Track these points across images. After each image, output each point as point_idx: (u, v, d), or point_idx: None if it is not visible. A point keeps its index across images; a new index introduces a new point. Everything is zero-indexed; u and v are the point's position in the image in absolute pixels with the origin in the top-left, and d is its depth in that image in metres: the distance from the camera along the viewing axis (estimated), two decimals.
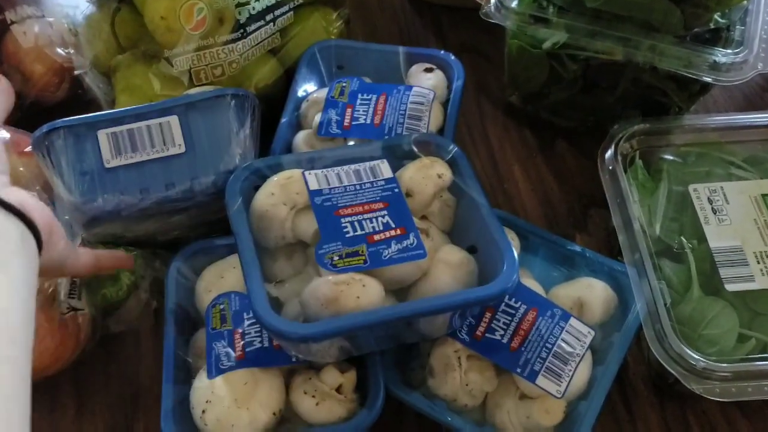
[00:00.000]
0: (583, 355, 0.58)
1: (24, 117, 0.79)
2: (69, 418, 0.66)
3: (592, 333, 0.59)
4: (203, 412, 0.55)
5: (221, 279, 0.63)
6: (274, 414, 0.56)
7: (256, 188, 0.59)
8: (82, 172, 0.61)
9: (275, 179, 0.58)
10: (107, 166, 0.61)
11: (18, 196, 0.48)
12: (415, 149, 0.62)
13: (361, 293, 0.51)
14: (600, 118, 0.80)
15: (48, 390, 0.67)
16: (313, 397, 0.56)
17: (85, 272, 0.60)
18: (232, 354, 0.58)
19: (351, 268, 0.53)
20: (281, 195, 0.57)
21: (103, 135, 0.61)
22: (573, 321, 0.59)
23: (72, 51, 0.77)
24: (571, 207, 0.78)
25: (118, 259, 0.65)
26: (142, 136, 0.62)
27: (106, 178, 0.61)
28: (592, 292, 0.62)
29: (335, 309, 0.51)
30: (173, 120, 0.62)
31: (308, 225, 0.57)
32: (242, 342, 0.58)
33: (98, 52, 0.76)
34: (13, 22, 0.81)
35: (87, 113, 0.66)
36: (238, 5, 0.73)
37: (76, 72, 0.76)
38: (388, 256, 0.54)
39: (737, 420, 0.65)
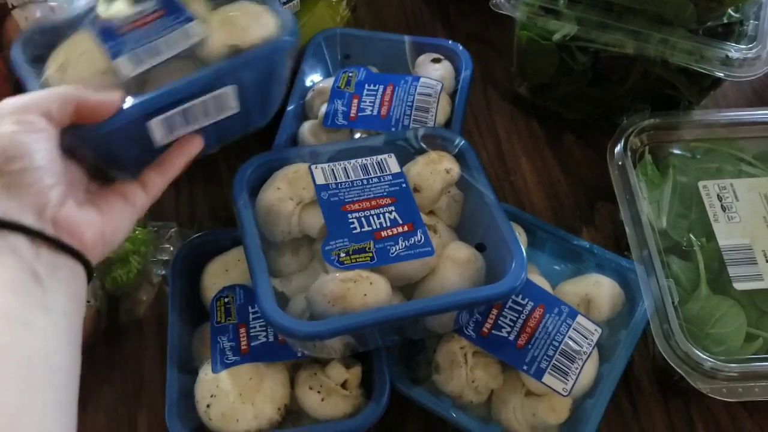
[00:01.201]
0: (590, 353, 0.58)
1: None
2: None
3: (599, 331, 0.59)
4: (208, 406, 0.55)
5: (226, 272, 0.63)
6: (279, 409, 0.56)
7: (261, 183, 0.58)
8: None
9: (282, 173, 0.58)
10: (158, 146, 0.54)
11: (68, 217, 0.46)
12: (423, 144, 0.62)
13: (368, 291, 0.51)
14: (609, 111, 0.79)
15: None
16: (319, 392, 0.56)
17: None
18: (237, 348, 0.57)
19: (358, 265, 0.53)
20: (288, 189, 0.57)
21: (155, 122, 0.53)
22: (580, 318, 0.59)
23: None
24: (579, 200, 0.78)
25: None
26: (197, 111, 0.54)
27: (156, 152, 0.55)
28: (599, 288, 0.62)
29: (342, 306, 0.51)
30: (230, 89, 0.54)
31: (315, 220, 0.56)
32: (247, 336, 0.58)
33: None
34: (14, 7, 0.79)
35: None
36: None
37: None
38: (395, 253, 0.54)
39: (741, 417, 0.64)
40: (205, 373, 0.57)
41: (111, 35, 0.55)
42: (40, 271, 0.43)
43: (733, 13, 0.67)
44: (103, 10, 0.58)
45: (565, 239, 0.67)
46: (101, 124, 0.49)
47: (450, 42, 0.77)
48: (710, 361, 0.56)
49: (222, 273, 0.63)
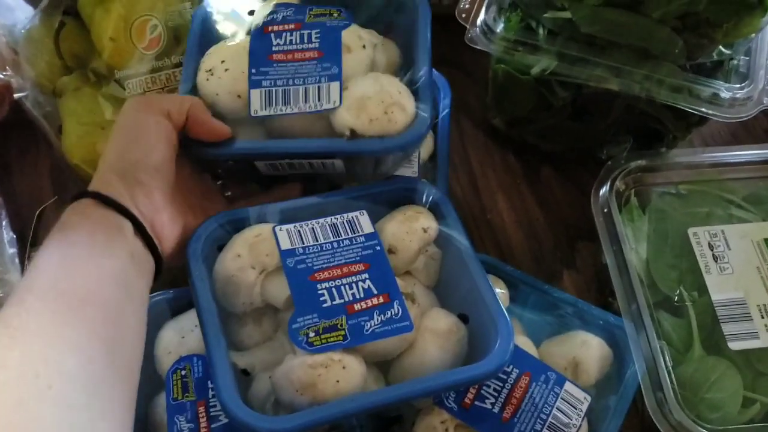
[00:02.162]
0: (580, 425, 0.54)
1: None
2: None
3: (589, 399, 0.55)
4: None
5: (182, 339, 0.57)
6: None
7: (220, 248, 0.53)
8: None
9: (242, 237, 0.52)
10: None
11: (161, 224, 0.51)
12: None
13: (341, 377, 0.46)
14: (589, 144, 0.75)
15: None
16: None
17: None
18: (197, 430, 0.52)
19: (329, 346, 0.47)
20: (249, 257, 0.51)
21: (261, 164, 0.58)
22: (568, 386, 0.55)
23: (9, 72, 0.69)
24: (558, 240, 0.74)
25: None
26: (303, 166, 0.57)
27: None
28: (587, 350, 0.58)
29: (312, 396, 0.46)
30: (339, 162, 0.56)
31: (280, 291, 0.51)
32: (207, 416, 0.53)
33: (41, 71, 0.69)
34: None
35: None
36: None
37: (15, 96, 0.68)
38: (370, 330, 0.49)
39: None
40: None
41: (263, 59, 0.57)
42: (135, 258, 0.48)
43: (724, 50, 0.63)
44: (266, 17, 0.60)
45: (548, 293, 0.63)
46: (212, 151, 0.55)
47: None
48: (705, 431, 0.53)
49: (178, 340, 0.57)
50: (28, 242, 0.65)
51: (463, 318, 0.53)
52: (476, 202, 0.76)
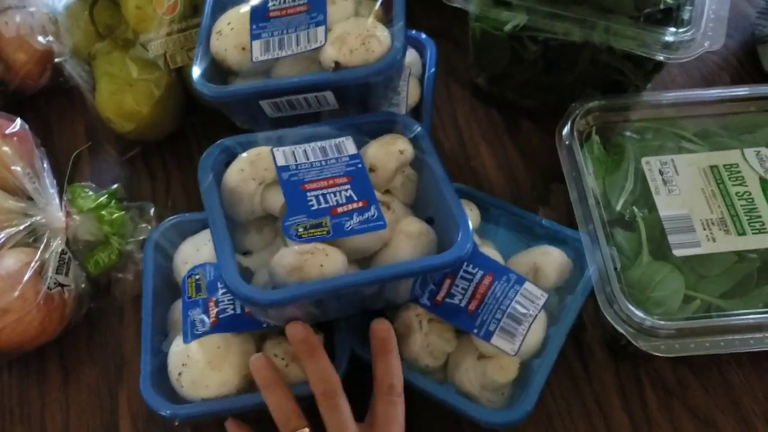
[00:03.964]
0: (536, 315, 0.62)
1: (7, 104, 0.82)
2: (56, 387, 0.70)
3: (545, 296, 0.63)
4: (179, 374, 0.59)
5: (197, 252, 0.67)
6: (245, 376, 0.60)
7: (227, 165, 0.62)
8: None
9: (245, 156, 0.62)
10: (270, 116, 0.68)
11: None
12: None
13: (324, 262, 0.55)
14: (561, 98, 0.83)
15: (36, 361, 0.71)
16: (283, 359, 0.60)
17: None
18: (207, 320, 0.61)
19: (315, 239, 0.57)
20: (250, 171, 0.60)
21: (264, 102, 0.66)
22: (527, 285, 0.63)
23: (52, 39, 0.80)
24: (535, 182, 0.82)
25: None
26: (300, 102, 0.66)
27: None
28: (547, 258, 0.66)
29: (299, 276, 0.54)
30: (329, 94, 0.65)
31: (276, 199, 0.60)
32: (216, 309, 0.62)
33: (78, 40, 0.80)
34: None
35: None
36: None
37: (56, 60, 0.79)
38: (350, 228, 0.58)
39: (687, 377, 0.69)
40: (177, 345, 0.61)
41: (262, 16, 0.67)
42: None
43: (668, 0, 0.71)
44: None
45: (518, 215, 0.71)
46: (220, 91, 0.66)
47: (413, 32, 0.82)
48: (649, 321, 0.60)
49: (193, 252, 0.67)
50: (65, 180, 0.76)
51: (429, 221, 0.62)
52: (461, 151, 0.85)
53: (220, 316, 0.61)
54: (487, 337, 0.60)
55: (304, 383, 0.58)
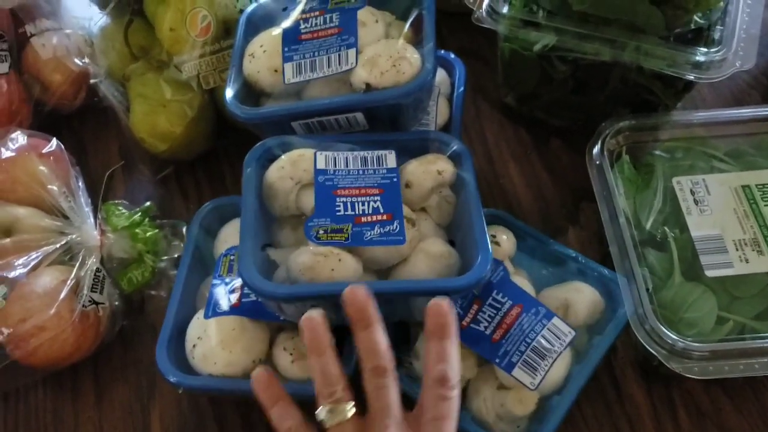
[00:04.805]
0: (561, 352, 0.61)
1: (44, 124, 0.84)
2: (90, 405, 0.71)
3: (573, 333, 0.62)
4: (194, 346, 0.63)
5: (237, 233, 0.68)
6: (254, 361, 0.62)
7: (272, 161, 0.64)
8: None
9: (288, 155, 0.64)
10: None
11: None
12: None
13: (336, 266, 0.56)
14: (591, 117, 0.83)
15: (70, 378, 0.72)
16: (291, 354, 0.62)
17: None
18: (230, 301, 0.63)
19: (332, 243, 0.58)
20: (290, 169, 0.62)
21: (295, 123, 0.68)
22: (555, 320, 0.63)
23: (88, 61, 0.82)
24: (564, 200, 0.82)
25: None
26: (331, 123, 0.67)
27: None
28: (578, 295, 0.66)
29: (310, 276, 0.56)
30: (360, 115, 0.66)
31: (309, 200, 0.62)
32: (240, 292, 0.64)
33: (112, 61, 0.81)
34: (32, 35, 0.86)
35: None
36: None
37: (92, 81, 0.81)
38: (369, 238, 0.59)
39: (720, 399, 0.68)
40: (198, 318, 0.64)
41: (293, 39, 0.69)
42: None
43: (699, 20, 0.71)
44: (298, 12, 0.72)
45: (553, 247, 0.71)
46: (253, 113, 0.67)
47: (442, 51, 0.82)
48: (682, 343, 0.60)
49: (234, 233, 0.68)
50: (99, 199, 0.77)
51: (451, 242, 0.62)
52: (490, 169, 0.85)
53: (243, 300, 0.63)
54: (509, 368, 0.60)
55: (308, 382, 0.57)
